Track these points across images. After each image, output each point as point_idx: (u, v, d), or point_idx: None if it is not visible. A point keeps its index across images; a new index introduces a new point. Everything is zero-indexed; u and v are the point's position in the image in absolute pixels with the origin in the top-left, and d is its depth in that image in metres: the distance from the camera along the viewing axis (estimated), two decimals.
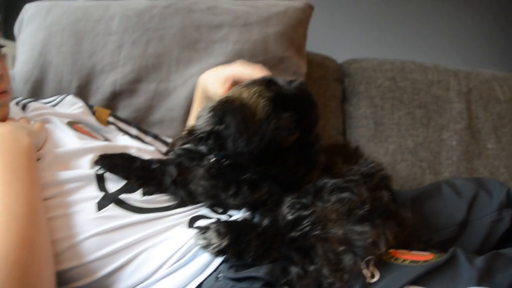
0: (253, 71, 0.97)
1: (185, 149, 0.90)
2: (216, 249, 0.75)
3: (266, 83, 0.83)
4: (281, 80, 0.84)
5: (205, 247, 0.76)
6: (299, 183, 0.83)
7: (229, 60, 1.34)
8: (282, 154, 0.82)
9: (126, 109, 1.32)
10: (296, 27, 1.46)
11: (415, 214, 1.09)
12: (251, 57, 1.36)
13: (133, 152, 0.98)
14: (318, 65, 1.67)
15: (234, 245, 0.75)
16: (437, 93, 1.73)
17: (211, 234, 0.75)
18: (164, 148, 1.22)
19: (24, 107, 1.11)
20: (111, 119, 1.19)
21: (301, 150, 0.83)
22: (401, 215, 0.90)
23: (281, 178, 0.84)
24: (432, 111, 1.70)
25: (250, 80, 0.87)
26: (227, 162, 0.85)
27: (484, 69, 1.87)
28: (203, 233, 0.76)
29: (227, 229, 0.75)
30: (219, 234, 0.75)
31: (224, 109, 0.82)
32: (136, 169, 0.89)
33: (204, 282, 0.79)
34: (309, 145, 0.84)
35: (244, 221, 0.78)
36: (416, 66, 1.76)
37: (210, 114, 0.83)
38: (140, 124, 1.29)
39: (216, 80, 1.01)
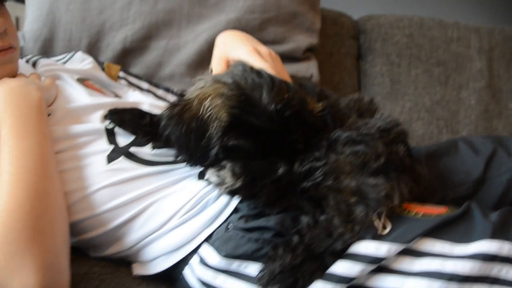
0: (262, 65, 0.85)
1: None
2: (229, 189, 0.73)
3: (239, 99, 0.74)
4: (266, 97, 0.74)
5: (218, 185, 0.74)
6: None
7: (240, 16, 1.31)
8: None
9: (136, 66, 1.31)
10: None
11: (430, 170, 1.07)
12: (263, 12, 1.32)
13: (145, 107, 0.97)
14: (333, 21, 1.62)
15: (247, 188, 0.73)
16: (456, 51, 1.67)
17: (226, 173, 0.73)
18: None
19: (34, 65, 1.10)
20: (121, 74, 1.18)
21: None
22: (417, 171, 0.88)
23: None
24: (450, 69, 1.66)
25: (228, 83, 0.77)
26: None
27: (508, 26, 1.80)
28: (218, 170, 0.74)
29: (242, 170, 0.73)
30: (234, 174, 0.73)
31: (171, 119, 0.79)
32: (145, 125, 0.88)
33: (214, 233, 0.79)
34: None
35: (261, 164, 0.75)
36: (435, 23, 1.70)
37: (164, 114, 0.81)
38: (151, 80, 1.28)
39: (217, 56, 0.95)
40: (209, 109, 0.75)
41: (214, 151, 0.75)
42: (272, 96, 0.74)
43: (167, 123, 0.80)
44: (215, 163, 0.77)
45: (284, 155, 0.76)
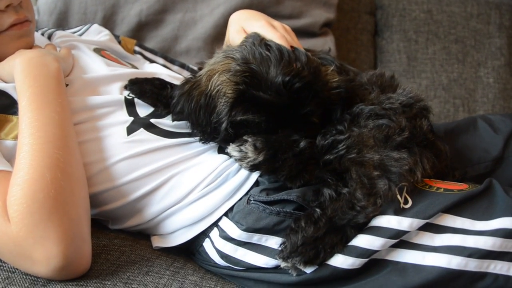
0: (274, 36, 0.85)
1: None
2: (251, 163, 0.73)
3: (245, 75, 0.73)
4: (273, 70, 0.73)
5: (240, 160, 0.74)
6: None
7: None
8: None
9: (152, 39, 1.30)
10: None
11: (449, 147, 1.07)
12: None
13: (164, 78, 0.96)
14: None
15: (269, 162, 0.73)
16: (476, 27, 1.64)
17: (247, 148, 0.73)
18: None
19: (50, 37, 1.10)
20: (137, 48, 1.17)
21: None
22: (439, 146, 0.87)
23: None
24: (469, 46, 1.63)
25: (236, 58, 0.77)
26: None
27: None
28: (239, 145, 0.74)
29: (264, 144, 0.73)
30: (256, 148, 0.73)
31: (182, 96, 0.80)
32: (165, 97, 0.87)
33: (235, 206, 0.79)
34: None
35: (282, 138, 0.75)
36: None
37: (175, 93, 0.82)
38: (167, 54, 1.26)
39: (234, 29, 0.95)
40: (216, 85, 0.75)
41: (223, 126, 0.75)
42: (280, 69, 0.73)
43: (178, 100, 0.81)
44: (227, 139, 0.77)
45: (298, 128, 0.76)
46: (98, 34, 1.13)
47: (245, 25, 0.92)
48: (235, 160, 0.75)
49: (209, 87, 0.77)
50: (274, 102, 0.73)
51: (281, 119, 0.75)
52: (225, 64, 0.76)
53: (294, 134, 0.75)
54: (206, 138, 0.81)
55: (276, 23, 0.91)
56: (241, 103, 0.74)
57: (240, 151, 0.73)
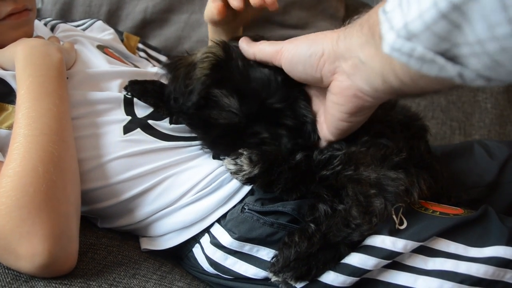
0: None
1: None
2: (246, 176, 0.72)
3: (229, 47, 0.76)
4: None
5: (235, 173, 0.73)
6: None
7: None
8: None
9: (155, 38, 1.29)
10: None
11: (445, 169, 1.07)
12: None
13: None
14: (355, 10, 1.56)
15: (265, 175, 0.72)
16: None
17: (243, 161, 0.72)
18: None
19: (52, 29, 1.08)
20: (140, 45, 1.16)
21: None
22: (436, 168, 0.87)
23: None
24: None
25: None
26: None
27: None
28: (234, 159, 0.73)
29: (259, 157, 0.72)
30: (251, 161, 0.72)
31: (170, 67, 0.81)
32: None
33: (229, 213, 0.78)
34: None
35: (277, 152, 0.74)
36: None
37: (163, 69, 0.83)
38: (170, 54, 1.25)
39: None
40: (200, 57, 0.77)
41: (196, 92, 0.75)
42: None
43: (170, 65, 0.82)
44: (195, 118, 0.77)
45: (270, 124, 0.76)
46: (102, 32, 1.12)
47: None
48: (230, 173, 0.73)
49: (193, 59, 0.78)
50: (246, 85, 0.74)
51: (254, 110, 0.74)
52: (211, 47, 0.78)
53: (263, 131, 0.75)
54: (178, 109, 0.80)
55: None
56: (218, 73, 0.74)
57: (236, 164, 0.72)
